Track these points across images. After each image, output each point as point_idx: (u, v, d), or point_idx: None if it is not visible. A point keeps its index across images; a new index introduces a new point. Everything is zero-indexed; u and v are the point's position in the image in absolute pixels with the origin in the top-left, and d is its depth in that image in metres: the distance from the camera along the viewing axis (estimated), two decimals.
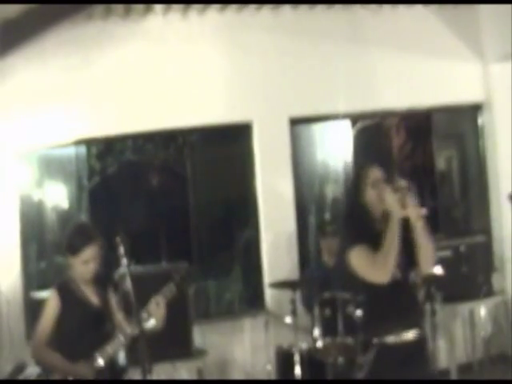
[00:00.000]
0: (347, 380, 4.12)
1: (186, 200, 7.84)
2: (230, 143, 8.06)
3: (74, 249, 4.42)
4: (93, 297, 4.52)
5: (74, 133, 6.99)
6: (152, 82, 7.11)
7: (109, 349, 4.34)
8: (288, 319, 6.47)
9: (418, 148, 9.73)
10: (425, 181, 9.48)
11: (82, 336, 4.36)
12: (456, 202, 9.21)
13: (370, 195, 4.12)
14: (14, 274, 6.71)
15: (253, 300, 7.92)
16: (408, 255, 4.13)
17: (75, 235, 4.52)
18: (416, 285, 4.26)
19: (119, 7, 6.81)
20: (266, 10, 7.41)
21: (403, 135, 10.12)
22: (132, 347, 4.32)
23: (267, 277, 7.31)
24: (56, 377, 4.31)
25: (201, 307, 8.14)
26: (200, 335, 6.57)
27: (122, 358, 4.54)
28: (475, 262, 7.33)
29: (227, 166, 8.16)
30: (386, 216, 4.05)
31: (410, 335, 4.12)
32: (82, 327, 4.39)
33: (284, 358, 6.46)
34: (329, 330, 6.00)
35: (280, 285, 6.66)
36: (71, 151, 8.16)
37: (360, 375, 4.19)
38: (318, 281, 6.73)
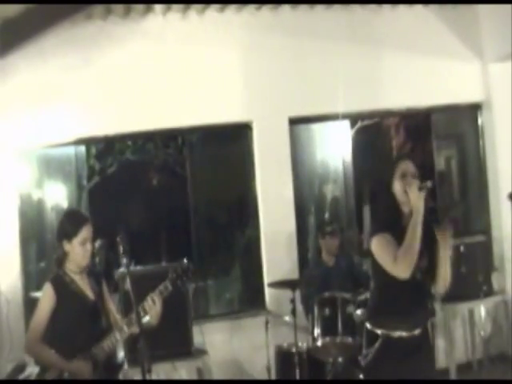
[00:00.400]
0: (347, 380, 4.12)
1: (185, 200, 7.84)
2: (229, 143, 8.06)
3: (70, 232, 4.36)
4: (88, 290, 4.45)
5: (74, 132, 6.99)
6: (152, 82, 7.11)
7: (104, 345, 4.28)
8: (288, 318, 6.48)
9: (418, 148, 9.73)
10: (424, 180, 9.46)
11: (77, 331, 4.30)
12: (455, 201, 9.21)
13: (397, 186, 4.16)
14: (13, 274, 6.71)
15: (252, 299, 7.92)
16: (427, 254, 4.14)
17: (69, 219, 4.50)
18: (430, 290, 4.26)
19: (119, 7, 6.81)
20: (266, 9, 7.41)
21: (403, 135, 10.13)
22: (131, 347, 4.29)
23: (267, 276, 7.31)
24: (52, 373, 4.25)
25: (200, 307, 8.16)
26: (200, 335, 6.56)
27: (118, 354, 4.49)
28: (475, 262, 7.34)
29: (227, 166, 8.16)
30: (411, 211, 4.09)
31: (415, 333, 4.13)
32: (77, 322, 4.33)
33: (284, 358, 6.47)
34: (328, 329, 6.03)
35: (280, 284, 6.66)
36: (71, 151, 8.18)
37: (363, 363, 4.21)
38: (317, 280, 6.75)
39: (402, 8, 7.81)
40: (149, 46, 7.11)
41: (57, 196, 8.27)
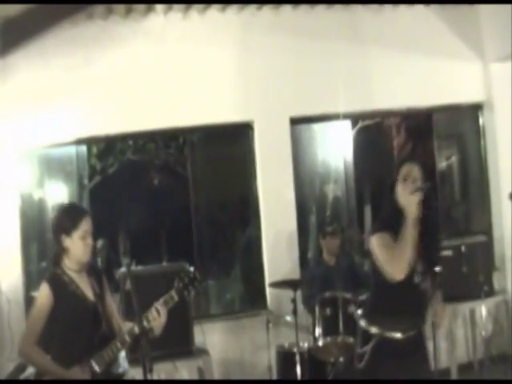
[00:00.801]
0: (347, 380, 4.12)
1: (186, 199, 7.85)
2: (230, 143, 8.06)
3: (69, 225, 4.14)
4: (88, 291, 4.21)
5: (75, 132, 6.98)
6: (153, 82, 7.11)
7: (104, 354, 4.06)
8: (289, 318, 6.48)
9: (419, 148, 9.73)
10: (425, 180, 9.45)
11: (75, 336, 4.07)
12: (457, 201, 9.21)
13: (398, 189, 4.16)
14: (14, 274, 6.71)
15: (253, 299, 7.93)
16: (426, 259, 4.15)
17: (67, 213, 4.28)
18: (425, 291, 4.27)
19: (120, 7, 6.81)
20: (267, 9, 7.40)
21: (404, 135, 10.14)
22: (133, 346, 4.21)
23: (268, 276, 7.31)
24: (48, 377, 4.05)
25: (202, 306, 8.16)
26: (201, 334, 6.56)
27: (119, 363, 4.22)
28: (476, 262, 7.33)
29: (228, 166, 8.16)
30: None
31: (410, 334, 4.13)
32: (76, 326, 4.09)
33: (285, 357, 6.47)
34: (329, 329, 6.03)
35: (281, 284, 6.66)
36: (72, 150, 8.18)
37: (359, 365, 4.20)
38: (318, 280, 6.75)
39: (403, 8, 7.81)
40: (150, 45, 7.11)
41: (58, 196, 8.27)
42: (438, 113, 8.42)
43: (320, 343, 6.08)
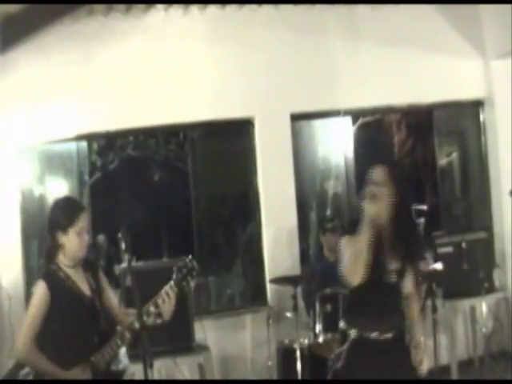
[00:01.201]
0: (347, 380, 4.10)
1: (187, 196, 7.85)
2: (231, 139, 8.06)
3: (65, 222, 4.05)
4: (84, 286, 4.12)
5: (75, 128, 6.98)
6: (153, 78, 7.10)
7: (105, 352, 4.00)
8: (289, 315, 6.48)
9: (420, 144, 9.74)
10: (426, 177, 9.49)
11: (74, 335, 3.99)
12: (457, 198, 9.21)
13: (365, 192, 4.08)
14: (15, 270, 6.71)
15: (254, 295, 7.93)
16: (399, 260, 4.12)
17: (63, 208, 4.17)
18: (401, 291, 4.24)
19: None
20: (267, 6, 7.40)
21: (404, 132, 10.14)
22: (133, 342, 4.18)
23: (268, 272, 7.31)
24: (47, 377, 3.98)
25: (202, 303, 8.16)
26: (201, 331, 6.57)
27: (120, 359, 4.15)
28: (476, 259, 7.33)
29: (228, 162, 8.16)
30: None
31: (388, 335, 4.10)
32: (74, 324, 4.00)
33: (285, 354, 6.47)
34: (330, 325, 6.03)
35: (281, 280, 6.67)
36: (72, 147, 8.18)
37: (336, 366, 4.18)
38: (318, 276, 6.75)
39: (404, 5, 7.79)
40: (150, 41, 7.10)
41: (58, 192, 8.26)
42: (439, 109, 8.42)
43: (320, 339, 6.09)
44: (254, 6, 7.35)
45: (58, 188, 8.31)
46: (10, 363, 4.33)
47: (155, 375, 3.93)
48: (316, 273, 6.85)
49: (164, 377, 6.42)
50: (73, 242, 4.07)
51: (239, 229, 8.39)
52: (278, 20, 7.46)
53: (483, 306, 7.59)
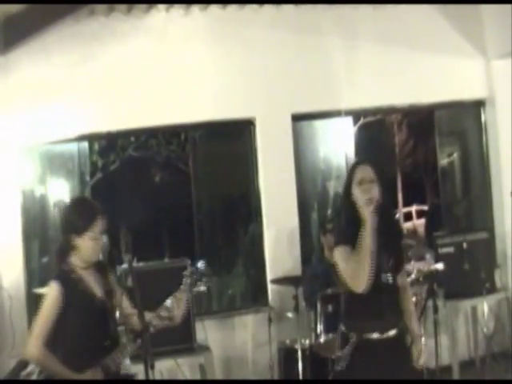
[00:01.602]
0: (347, 380, 4.10)
1: (188, 196, 7.84)
2: (232, 139, 8.06)
3: (81, 226, 3.96)
4: (96, 288, 4.05)
5: (76, 129, 6.98)
6: (154, 78, 7.11)
7: (115, 356, 3.95)
8: (290, 315, 6.48)
9: (421, 145, 9.74)
10: (427, 177, 9.48)
11: (87, 335, 3.93)
12: (458, 198, 9.21)
13: (356, 194, 4.04)
14: (16, 270, 6.71)
15: (255, 296, 7.93)
16: (392, 257, 4.12)
17: (79, 211, 4.08)
18: (397, 288, 4.24)
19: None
20: (269, 6, 7.39)
21: (405, 132, 10.16)
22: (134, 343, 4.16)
23: (270, 273, 7.32)
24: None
25: (203, 303, 8.15)
26: (202, 331, 6.57)
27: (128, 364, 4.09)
28: (477, 259, 7.34)
29: (230, 162, 8.15)
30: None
31: (389, 334, 4.10)
32: (86, 326, 3.94)
33: (286, 354, 6.48)
34: (331, 325, 6.03)
35: (282, 281, 6.67)
36: (73, 147, 8.16)
37: (338, 367, 4.18)
38: (320, 277, 6.75)
39: (405, 5, 7.79)
40: (151, 42, 7.11)
41: (59, 192, 8.27)
42: (440, 109, 8.42)
43: (322, 340, 6.09)
44: (255, 7, 7.35)
45: (59, 188, 8.31)
46: (12, 363, 4.33)
47: (156, 376, 3.91)
48: (317, 273, 6.84)
49: (165, 377, 6.41)
50: (87, 246, 4.00)
51: (240, 229, 8.38)
52: (279, 20, 7.46)
53: (484, 306, 7.59)
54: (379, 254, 4.02)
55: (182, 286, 4.14)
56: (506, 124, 7.87)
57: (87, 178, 9.11)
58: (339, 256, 4.08)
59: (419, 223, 20.66)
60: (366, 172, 4.07)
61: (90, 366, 3.90)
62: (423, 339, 4.32)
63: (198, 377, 6.50)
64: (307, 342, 6.33)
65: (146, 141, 10.01)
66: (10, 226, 6.76)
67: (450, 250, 7.30)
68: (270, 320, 6.66)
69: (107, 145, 9.90)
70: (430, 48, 7.82)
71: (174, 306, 4.07)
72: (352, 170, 4.16)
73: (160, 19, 7.14)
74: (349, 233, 4.04)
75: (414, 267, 6.28)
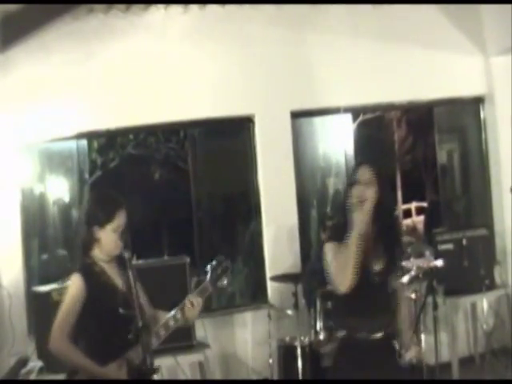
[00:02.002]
0: (347, 380, 4.10)
1: (187, 194, 7.85)
2: (231, 137, 8.06)
3: (104, 217, 3.95)
4: (118, 281, 4.03)
5: (76, 127, 6.98)
6: (153, 76, 7.10)
7: (140, 350, 3.83)
8: (290, 312, 6.48)
9: (420, 141, 9.75)
10: (426, 174, 9.49)
11: (110, 329, 3.88)
12: (458, 195, 9.21)
13: (352, 194, 4.02)
14: (15, 268, 6.71)
15: (255, 293, 7.94)
16: (385, 259, 4.10)
17: (103, 203, 4.07)
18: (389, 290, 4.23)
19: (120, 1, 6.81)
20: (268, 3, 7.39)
21: (405, 129, 10.17)
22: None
23: (269, 270, 7.32)
24: (80, 376, 3.82)
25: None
26: (202, 328, 6.57)
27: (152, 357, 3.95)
28: (477, 256, 7.34)
29: (229, 160, 8.16)
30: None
31: (377, 335, 4.09)
32: (109, 317, 3.90)
33: (286, 351, 6.48)
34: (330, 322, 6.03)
35: (282, 278, 6.67)
36: (73, 145, 8.18)
37: (326, 363, 4.18)
38: (319, 274, 6.75)
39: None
40: (150, 39, 7.10)
41: (59, 190, 8.28)
42: (439, 106, 8.43)
43: (321, 337, 6.09)
44: (254, 4, 7.35)
45: (58, 186, 8.32)
46: (12, 361, 4.33)
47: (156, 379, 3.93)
48: (317, 270, 6.83)
49: (165, 375, 6.41)
50: (110, 239, 3.98)
51: (240, 226, 8.39)
52: (278, 17, 7.45)
53: (484, 302, 7.60)
54: (371, 255, 4.01)
55: (200, 287, 4.13)
56: (505, 120, 7.87)
57: (86, 175, 9.13)
58: (327, 252, 4.08)
59: (418, 220, 20.71)
60: (363, 173, 4.05)
61: (114, 359, 3.85)
62: (414, 348, 4.30)
63: (197, 374, 6.50)
64: (307, 339, 6.33)
65: (145, 138, 10.00)
66: (10, 224, 6.75)
67: (450, 246, 7.31)
68: (269, 317, 6.66)
69: (106, 143, 9.89)
70: (429, 45, 7.82)
71: (189, 307, 4.02)
72: (353, 171, 4.17)
73: (159, 17, 7.14)
74: (340, 231, 4.04)
75: (413, 264, 6.27)
